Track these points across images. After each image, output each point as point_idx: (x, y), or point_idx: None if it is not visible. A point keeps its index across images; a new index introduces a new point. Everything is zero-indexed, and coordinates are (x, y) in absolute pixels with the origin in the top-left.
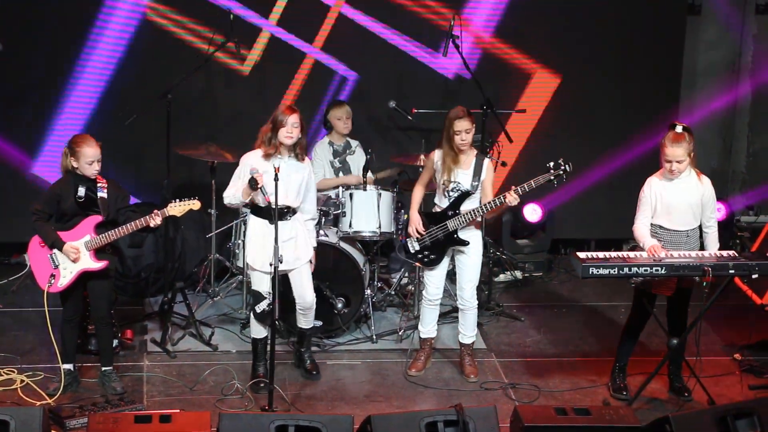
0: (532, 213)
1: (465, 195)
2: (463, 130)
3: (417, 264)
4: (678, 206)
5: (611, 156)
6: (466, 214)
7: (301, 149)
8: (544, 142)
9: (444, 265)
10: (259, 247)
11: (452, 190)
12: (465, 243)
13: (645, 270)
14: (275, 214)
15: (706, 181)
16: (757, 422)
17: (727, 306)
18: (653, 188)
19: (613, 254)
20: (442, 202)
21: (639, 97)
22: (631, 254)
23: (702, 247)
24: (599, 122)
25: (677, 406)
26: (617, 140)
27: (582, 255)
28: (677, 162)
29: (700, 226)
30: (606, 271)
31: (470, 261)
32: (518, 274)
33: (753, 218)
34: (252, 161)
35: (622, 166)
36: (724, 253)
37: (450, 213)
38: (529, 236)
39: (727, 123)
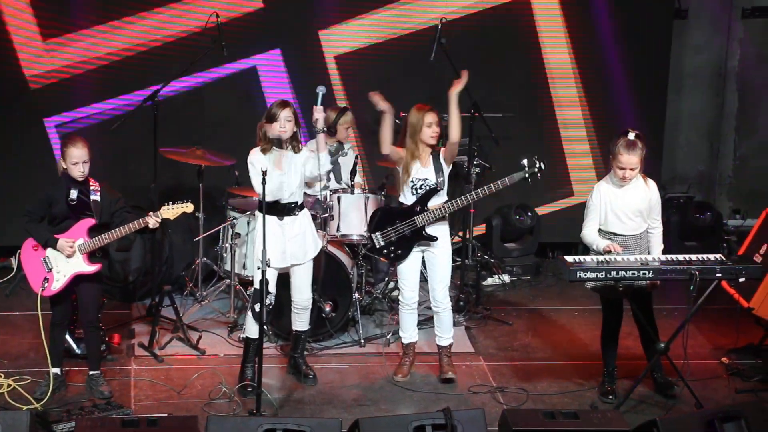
0: (522, 216)
1: (433, 191)
2: (434, 122)
3: (382, 259)
4: (628, 211)
5: (598, 159)
6: (435, 210)
7: (297, 141)
8: (531, 146)
9: (416, 267)
10: (268, 244)
11: (420, 187)
12: (433, 239)
13: (632, 273)
14: (263, 211)
15: (653, 184)
16: (744, 426)
17: (714, 309)
18: (603, 195)
19: (600, 258)
20: (407, 200)
21: (626, 102)
22: (618, 257)
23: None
24: (586, 126)
25: (665, 409)
26: (604, 143)
27: (569, 259)
28: (630, 169)
29: None
30: (593, 275)
31: (439, 260)
32: (506, 277)
33: (740, 222)
34: (255, 158)
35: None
36: (712, 256)
37: (417, 209)
38: (516, 240)
39: (714, 127)
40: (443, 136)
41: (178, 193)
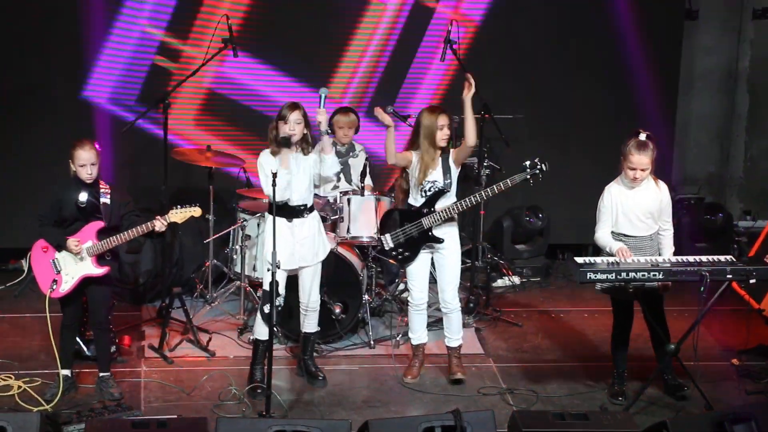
0: (533, 218)
1: (440, 193)
2: (446, 125)
3: (391, 261)
4: (639, 213)
5: (608, 161)
6: (442, 211)
7: (307, 144)
8: (543, 149)
9: (425, 268)
10: (278, 247)
11: (429, 189)
12: (440, 241)
13: (642, 275)
14: (274, 212)
15: (663, 186)
16: (755, 427)
17: (725, 311)
18: (614, 197)
19: (611, 259)
20: (417, 201)
21: (636, 103)
22: (629, 259)
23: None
24: (596, 127)
25: (674, 411)
26: (614, 145)
27: (580, 260)
28: (641, 170)
29: None
30: (603, 276)
31: (448, 261)
32: (516, 279)
33: (750, 223)
34: (264, 160)
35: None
36: (722, 257)
37: (425, 211)
38: (526, 241)
39: (725, 128)
40: (454, 138)
41: (189, 194)
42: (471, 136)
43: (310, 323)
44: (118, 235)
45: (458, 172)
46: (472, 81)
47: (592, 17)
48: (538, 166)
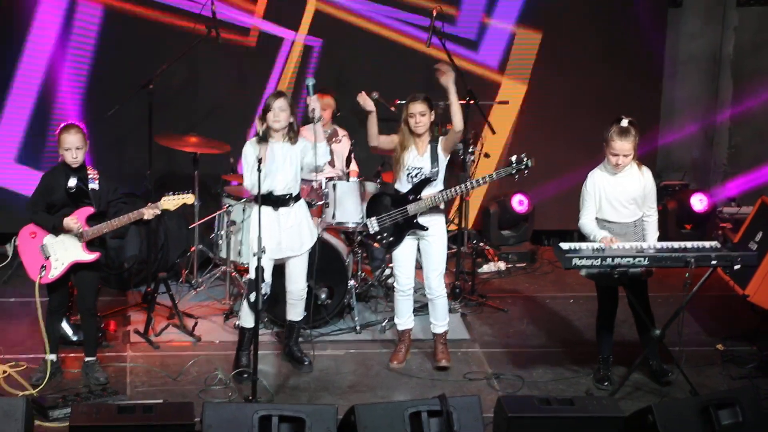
0: (519, 204)
1: (427, 181)
2: (417, 112)
3: (375, 245)
4: (623, 199)
5: (594, 147)
6: (427, 199)
7: (294, 132)
8: (527, 134)
9: (411, 254)
10: (263, 235)
11: (415, 176)
12: (424, 228)
13: (628, 261)
14: (259, 202)
15: (647, 171)
16: (739, 412)
17: (710, 297)
18: (597, 183)
19: (596, 245)
20: (403, 187)
21: (621, 89)
22: (614, 245)
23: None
24: (582, 114)
25: (660, 396)
26: (600, 131)
27: (565, 246)
28: (624, 156)
29: None
30: (589, 262)
31: (433, 249)
32: (501, 265)
33: (735, 209)
34: (249, 149)
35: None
36: (707, 244)
37: (411, 197)
38: (512, 227)
39: (709, 115)
40: (440, 124)
41: (174, 180)
42: (457, 120)
43: (296, 312)
44: (109, 222)
45: (446, 161)
46: (445, 68)
47: (576, 3)
48: (524, 162)
